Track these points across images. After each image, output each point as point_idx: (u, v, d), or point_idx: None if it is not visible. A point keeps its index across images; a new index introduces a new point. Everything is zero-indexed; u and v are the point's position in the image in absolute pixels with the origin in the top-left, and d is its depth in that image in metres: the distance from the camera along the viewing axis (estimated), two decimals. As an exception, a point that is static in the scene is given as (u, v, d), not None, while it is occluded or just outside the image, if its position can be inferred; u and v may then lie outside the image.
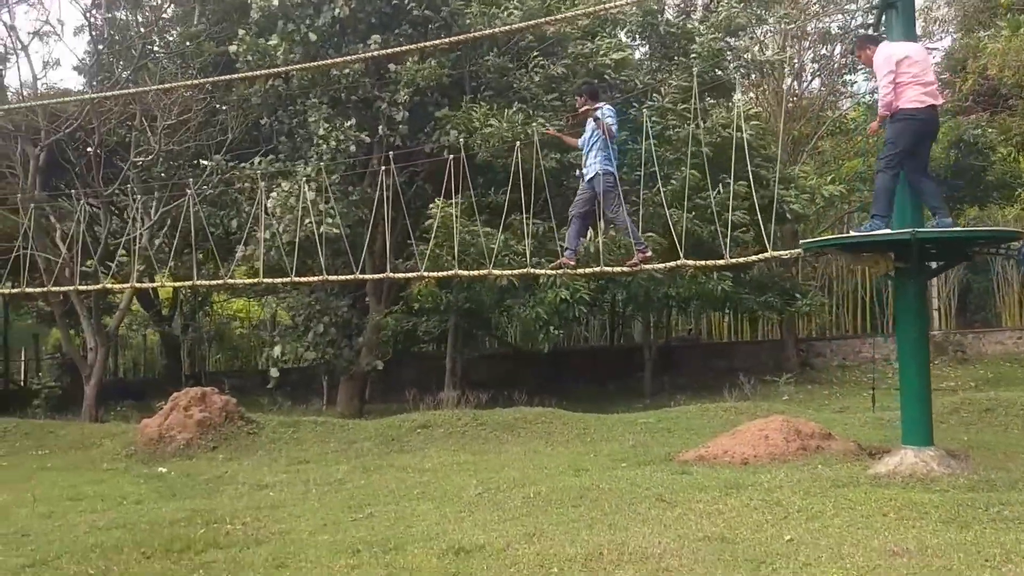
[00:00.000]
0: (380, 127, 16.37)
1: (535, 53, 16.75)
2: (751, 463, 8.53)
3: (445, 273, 12.79)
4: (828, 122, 23.53)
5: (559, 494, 7.83)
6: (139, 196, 13.84)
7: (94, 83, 19.64)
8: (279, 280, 12.82)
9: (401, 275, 13.49)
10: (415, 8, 16.29)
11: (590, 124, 9.53)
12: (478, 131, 15.83)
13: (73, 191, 15.38)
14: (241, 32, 16.37)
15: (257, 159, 16.88)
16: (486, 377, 20.22)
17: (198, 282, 14.15)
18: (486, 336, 24.28)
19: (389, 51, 14.89)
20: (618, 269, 10.15)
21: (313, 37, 16.30)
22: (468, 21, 16.20)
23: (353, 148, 16.16)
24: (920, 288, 7.98)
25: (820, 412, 13.31)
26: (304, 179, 15.77)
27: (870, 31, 11.07)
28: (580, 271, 10.30)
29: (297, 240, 13.61)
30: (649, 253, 9.54)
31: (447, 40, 14.42)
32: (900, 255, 7.58)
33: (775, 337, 23.93)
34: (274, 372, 17.01)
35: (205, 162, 16.70)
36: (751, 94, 22.08)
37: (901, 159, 7.55)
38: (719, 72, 17.90)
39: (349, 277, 13.88)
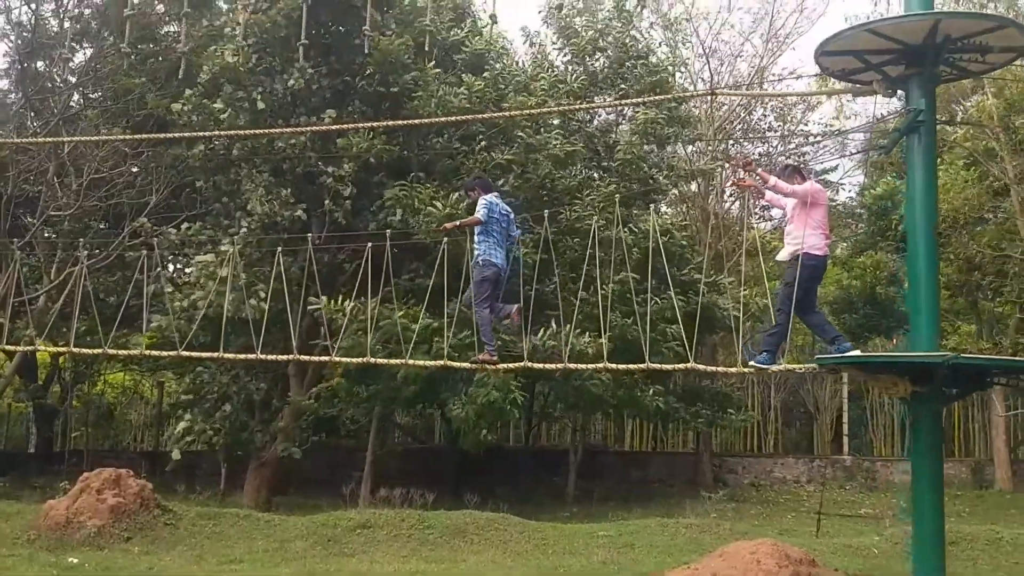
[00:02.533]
0: (326, 201, 15.70)
1: (480, 139, 16.54)
2: (748, 589, 8.09)
3: (356, 360, 12.19)
4: (747, 241, 24.19)
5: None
6: (80, 251, 12.46)
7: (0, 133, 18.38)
8: (218, 355, 11.79)
9: (305, 358, 12.62)
10: (366, 86, 16.00)
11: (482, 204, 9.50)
12: (420, 212, 15.33)
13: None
14: (188, 92, 15.55)
15: (185, 225, 15.91)
16: (398, 473, 19.21)
17: (134, 352, 12.97)
18: (398, 430, 23.40)
19: (334, 127, 14.50)
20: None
21: (261, 106, 15.68)
22: (416, 103, 15.90)
23: (286, 223, 15.39)
24: (937, 415, 7.87)
25: (762, 532, 13.02)
26: (228, 254, 14.92)
27: (880, 154, 11.48)
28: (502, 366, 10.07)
29: (215, 313, 12.71)
30: (495, 357, 9.44)
31: (389, 123, 14.01)
32: (917, 379, 7.46)
33: (684, 449, 23.99)
34: (176, 454, 15.59)
35: (138, 223, 15.55)
36: (679, 207, 22.60)
37: (791, 303, 7.82)
38: (649, 179, 18.12)
39: (250, 356, 12.85)
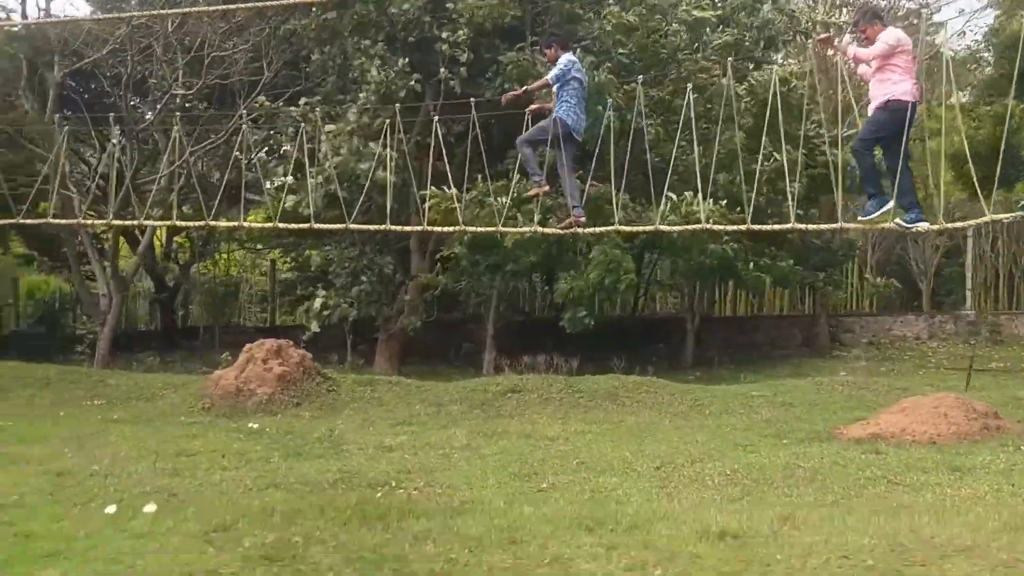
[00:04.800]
0: (441, 69, 15.37)
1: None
2: (938, 442, 8.02)
3: (450, 228, 12.16)
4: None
5: (758, 472, 7.23)
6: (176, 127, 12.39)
7: (97, 11, 18.26)
8: (332, 226, 11.92)
9: (406, 228, 12.68)
10: None
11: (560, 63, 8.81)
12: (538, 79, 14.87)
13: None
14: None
15: (302, 100, 15.81)
16: (513, 343, 19.45)
17: (250, 224, 13.04)
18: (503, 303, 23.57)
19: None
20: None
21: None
22: None
23: (402, 94, 15.17)
24: None
25: (916, 388, 12.74)
26: (353, 123, 14.83)
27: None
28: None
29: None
30: (583, 219, 9.10)
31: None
32: None
33: (790, 312, 23.84)
34: (314, 326, 16.01)
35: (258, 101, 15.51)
36: (799, 59, 21.52)
37: (875, 144, 7.65)
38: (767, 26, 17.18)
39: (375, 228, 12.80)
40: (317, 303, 16.08)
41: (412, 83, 15.20)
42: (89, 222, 14.97)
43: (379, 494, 6.67)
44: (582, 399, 11.49)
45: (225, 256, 25.13)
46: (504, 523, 5.91)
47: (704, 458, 7.87)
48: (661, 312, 25.93)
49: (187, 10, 15.42)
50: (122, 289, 17.97)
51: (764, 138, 9.34)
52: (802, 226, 9.23)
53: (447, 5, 15.36)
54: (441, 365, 18.10)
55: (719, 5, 17.28)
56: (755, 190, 9.29)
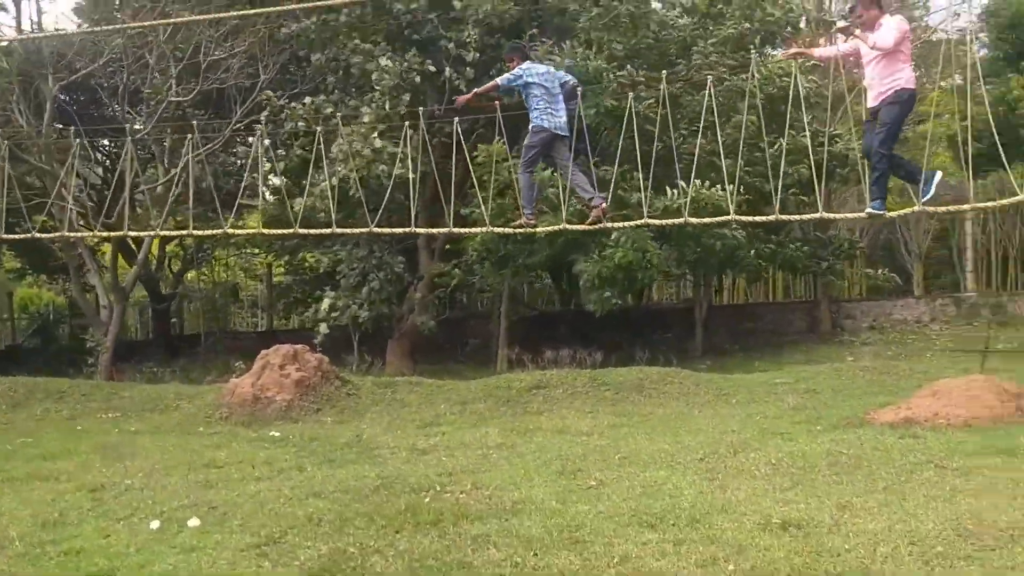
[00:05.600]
0: (446, 69, 15.30)
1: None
2: (974, 425, 8.02)
3: (476, 229, 12.22)
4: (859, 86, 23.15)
5: (803, 460, 7.21)
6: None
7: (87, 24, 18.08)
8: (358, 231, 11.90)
9: (433, 230, 12.78)
10: None
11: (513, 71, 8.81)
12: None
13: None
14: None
15: (308, 99, 15.70)
16: (524, 338, 19.37)
17: (270, 231, 12.92)
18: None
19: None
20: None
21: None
22: None
23: (418, 79, 15.14)
24: None
25: (937, 372, 12.65)
26: (369, 122, 14.78)
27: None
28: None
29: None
30: (605, 206, 8.81)
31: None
32: None
33: (788, 299, 23.99)
34: (323, 328, 15.90)
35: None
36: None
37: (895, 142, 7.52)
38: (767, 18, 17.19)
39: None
40: (325, 305, 15.98)
41: (427, 67, 15.16)
42: (104, 234, 14.79)
43: (427, 498, 6.61)
44: (607, 392, 11.45)
45: (222, 262, 24.88)
46: (562, 522, 5.87)
47: (744, 448, 7.84)
48: (662, 301, 25.98)
49: (179, 20, 15.30)
50: (122, 300, 17.79)
51: (786, 128, 9.21)
52: (831, 215, 9.17)
53: (455, 2, 15.25)
54: (450, 362, 18.07)
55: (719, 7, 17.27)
56: (779, 181, 9.28)
